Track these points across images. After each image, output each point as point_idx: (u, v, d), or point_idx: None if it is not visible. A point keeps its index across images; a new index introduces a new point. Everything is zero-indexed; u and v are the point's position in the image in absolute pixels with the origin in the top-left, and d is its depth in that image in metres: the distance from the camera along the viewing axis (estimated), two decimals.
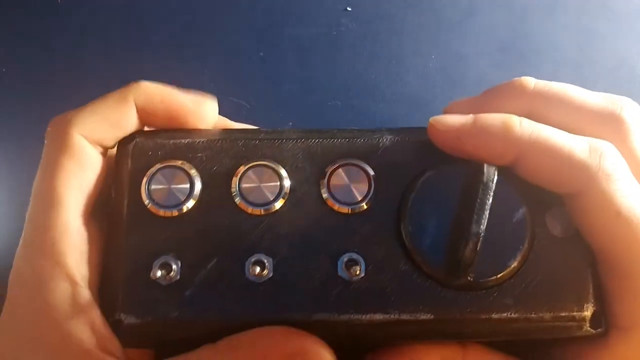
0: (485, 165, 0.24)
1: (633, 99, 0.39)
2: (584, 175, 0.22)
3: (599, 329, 0.24)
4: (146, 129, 0.27)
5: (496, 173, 0.24)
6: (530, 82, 0.26)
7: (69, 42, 0.40)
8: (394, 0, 0.41)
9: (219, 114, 0.30)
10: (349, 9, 0.41)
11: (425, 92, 0.39)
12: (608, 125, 0.24)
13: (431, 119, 0.25)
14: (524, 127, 0.23)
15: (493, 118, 0.24)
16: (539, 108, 0.25)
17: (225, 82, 0.39)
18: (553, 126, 0.24)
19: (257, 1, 0.41)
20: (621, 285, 0.23)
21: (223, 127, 0.28)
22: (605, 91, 0.40)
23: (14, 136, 0.38)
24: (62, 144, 0.24)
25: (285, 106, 0.39)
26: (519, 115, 0.24)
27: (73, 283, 0.23)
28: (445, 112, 0.28)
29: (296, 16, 0.40)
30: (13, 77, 0.39)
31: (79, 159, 0.24)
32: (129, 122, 0.25)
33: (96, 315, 0.23)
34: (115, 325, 0.24)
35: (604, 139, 0.23)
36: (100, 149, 0.25)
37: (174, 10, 0.41)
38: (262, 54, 0.40)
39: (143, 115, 0.25)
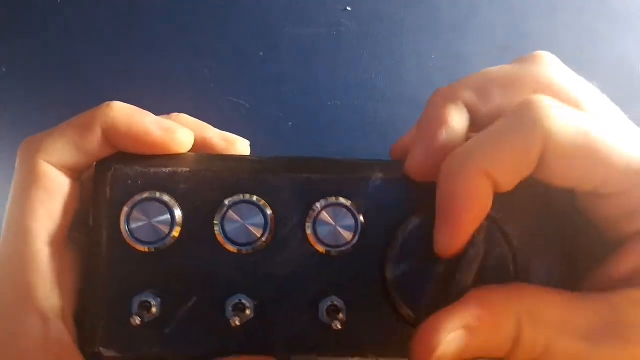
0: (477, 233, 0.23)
1: (633, 99, 0.39)
2: (630, 176, 0.21)
3: None
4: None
5: (486, 233, 0.23)
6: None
7: (69, 42, 0.40)
8: (394, 0, 0.41)
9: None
10: (348, 8, 0.41)
11: (425, 91, 0.39)
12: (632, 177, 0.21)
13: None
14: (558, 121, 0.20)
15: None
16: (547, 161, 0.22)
17: (225, 82, 0.39)
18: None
19: (257, 1, 0.41)
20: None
21: (207, 147, 0.27)
22: (606, 91, 0.40)
23: (14, 136, 0.38)
24: (28, 173, 0.23)
25: (285, 106, 0.39)
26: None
27: (43, 316, 0.23)
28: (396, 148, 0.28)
29: (296, 16, 0.40)
30: (13, 77, 0.39)
31: (46, 187, 0.23)
32: (95, 147, 0.24)
33: (66, 348, 0.23)
34: (95, 357, 0.23)
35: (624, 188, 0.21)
36: (70, 174, 0.24)
37: (174, 10, 0.41)
38: (262, 53, 0.40)
39: (110, 139, 0.24)
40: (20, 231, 0.23)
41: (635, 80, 0.40)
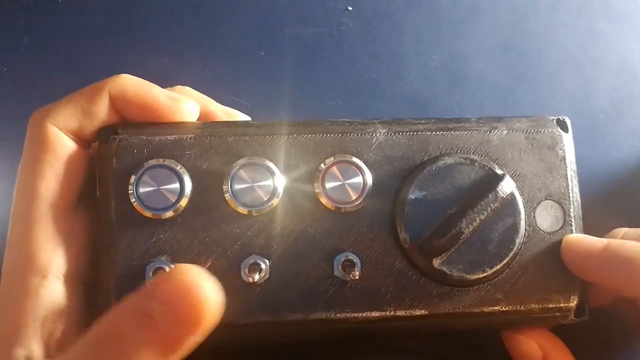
0: (506, 178, 0.24)
1: (634, 99, 0.39)
2: None
3: (582, 317, 0.25)
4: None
5: (512, 186, 0.24)
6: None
7: (69, 42, 0.40)
8: (395, 0, 0.41)
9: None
10: (349, 8, 0.41)
11: (427, 91, 0.39)
12: None
13: (566, 238, 0.25)
14: None
15: (627, 249, 0.23)
16: None
17: (226, 82, 0.39)
18: None
19: (258, 0, 0.41)
20: None
21: (210, 120, 0.28)
22: (607, 91, 0.40)
23: (14, 136, 0.38)
24: (37, 136, 0.24)
25: (286, 106, 0.39)
26: None
27: (42, 276, 0.23)
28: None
29: (297, 16, 0.40)
30: (13, 77, 0.39)
31: (54, 150, 0.24)
32: (101, 112, 0.24)
33: (59, 309, 0.23)
34: None
35: None
36: (78, 141, 0.25)
37: (175, 10, 0.41)
38: (263, 53, 0.40)
39: (118, 106, 0.25)
40: (28, 191, 0.23)
41: (636, 80, 0.40)
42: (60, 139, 0.24)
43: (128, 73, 0.40)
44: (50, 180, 0.23)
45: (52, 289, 0.23)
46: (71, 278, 0.23)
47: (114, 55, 0.40)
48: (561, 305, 0.25)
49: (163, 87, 0.27)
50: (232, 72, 0.39)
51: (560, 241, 0.25)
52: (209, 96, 0.30)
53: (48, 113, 0.24)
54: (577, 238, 0.25)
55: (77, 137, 0.24)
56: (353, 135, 0.25)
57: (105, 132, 0.25)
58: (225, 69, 0.39)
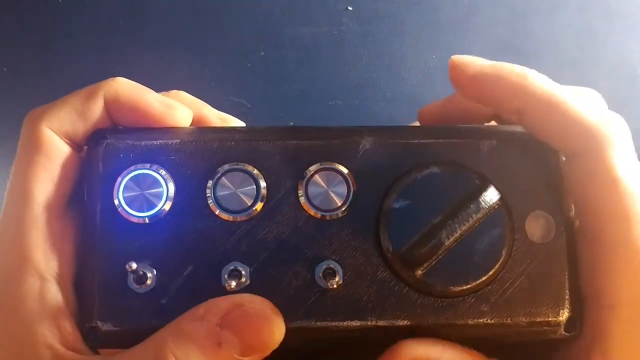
0: (490, 188, 0.24)
1: (633, 99, 0.39)
2: (590, 137, 0.23)
3: (572, 333, 0.24)
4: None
5: (496, 196, 0.24)
6: (527, 79, 0.24)
7: (69, 42, 0.40)
8: (395, 0, 0.41)
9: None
10: (350, 8, 0.41)
11: (426, 91, 0.39)
12: (592, 139, 0.23)
13: (453, 57, 0.25)
14: (538, 80, 0.24)
15: (512, 66, 0.24)
16: (528, 109, 0.24)
17: (226, 82, 0.39)
18: (542, 127, 0.24)
19: (259, 1, 0.41)
20: (606, 258, 0.23)
21: (198, 125, 0.28)
22: (608, 91, 0.40)
23: (14, 136, 0.38)
24: (31, 139, 0.24)
25: (285, 106, 0.39)
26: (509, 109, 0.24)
27: (41, 278, 0.23)
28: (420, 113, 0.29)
29: (297, 16, 0.40)
30: (13, 77, 0.39)
31: (48, 153, 0.24)
32: (96, 116, 0.24)
33: (62, 311, 0.23)
34: (92, 331, 0.23)
35: (585, 149, 0.23)
36: (71, 144, 0.25)
37: (175, 10, 0.41)
38: (263, 53, 0.40)
39: (112, 110, 0.25)
40: (22, 194, 0.23)
41: (636, 80, 0.40)
42: (55, 142, 0.24)
43: (128, 73, 0.40)
44: (45, 184, 0.24)
45: (51, 290, 0.23)
46: (65, 280, 0.24)
47: (113, 55, 0.40)
48: (550, 319, 0.24)
49: (162, 88, 0.27)
50: (232, 72, 0.39)
51: (551, 252, 0.24)
52: (209, 96, 0.30)
53: (43, 115, 0.24)
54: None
55: (71, 140, 0.25)
56: (339, 142, 0.25)
57: (95, 137, 0.25)
58: (225, 68, 0.39)
